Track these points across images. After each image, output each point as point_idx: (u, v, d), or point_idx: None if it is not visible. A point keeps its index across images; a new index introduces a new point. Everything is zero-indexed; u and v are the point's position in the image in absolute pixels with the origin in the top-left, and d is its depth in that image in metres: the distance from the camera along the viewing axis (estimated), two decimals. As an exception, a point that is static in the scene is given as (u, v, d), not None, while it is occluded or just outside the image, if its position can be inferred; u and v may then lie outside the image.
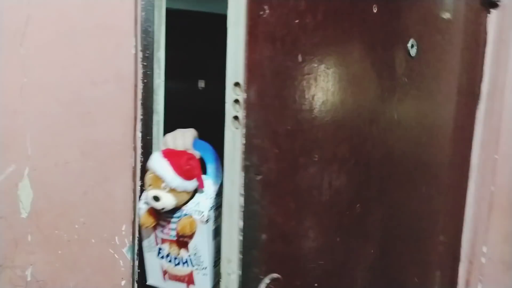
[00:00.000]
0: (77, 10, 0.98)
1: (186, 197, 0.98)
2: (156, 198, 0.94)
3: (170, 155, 0.97)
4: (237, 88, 0.73)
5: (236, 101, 0.73)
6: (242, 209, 0.74)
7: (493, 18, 1.40)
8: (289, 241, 0.85)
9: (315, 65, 0.85)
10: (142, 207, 1.00)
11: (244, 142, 0.74)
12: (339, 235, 0.96)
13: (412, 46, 1.06)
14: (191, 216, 0.95)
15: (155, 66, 1.09)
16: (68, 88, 1.01)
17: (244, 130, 0.74)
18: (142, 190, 1.10)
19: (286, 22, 0.78)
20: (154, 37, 1.08)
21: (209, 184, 0.99)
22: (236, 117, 0.74)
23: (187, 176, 0.96)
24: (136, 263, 1.14)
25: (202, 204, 0.97)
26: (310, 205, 0.89)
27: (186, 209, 0.97)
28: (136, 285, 1.15)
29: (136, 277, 1.14)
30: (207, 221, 0.95)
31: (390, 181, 1.10)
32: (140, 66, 1.07)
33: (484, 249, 1.45)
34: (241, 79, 0.72)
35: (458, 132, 1.39)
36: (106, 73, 1.02)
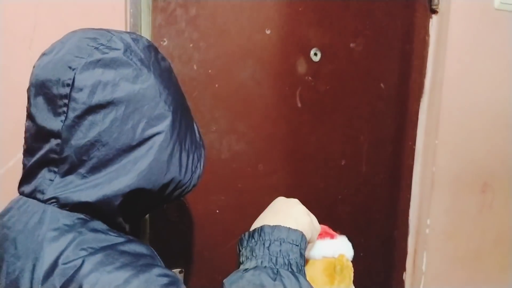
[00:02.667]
0: (76, 20, 1.07)
1: None
2: None
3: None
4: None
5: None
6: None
7: (434, 22, 1.60)
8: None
9: (210, 71, 1.18)
10: None
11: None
12: (241, 184, 1.28)
13: (315, 54, 1.32)
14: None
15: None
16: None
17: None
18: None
19: (182, 47, 1.12)
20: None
21: None
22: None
23: None
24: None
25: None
26: (211, 156, 1.19)
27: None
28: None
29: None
30: None
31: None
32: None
33: (428, 222, 1.62)
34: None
35: (403, 120, 1.60)
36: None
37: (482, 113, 1.64)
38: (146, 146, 0.63)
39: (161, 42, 1.11)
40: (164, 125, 0.65)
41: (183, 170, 0.68)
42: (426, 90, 1.62)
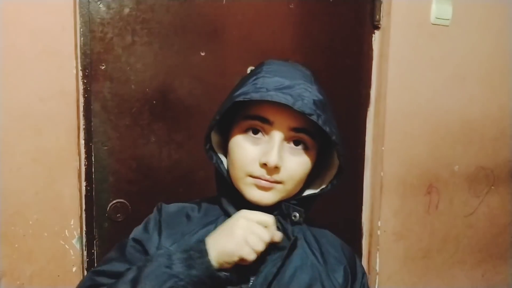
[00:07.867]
0: (26, 40, 1.10)
1: None
2: None
3: None
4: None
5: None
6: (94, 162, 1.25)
7: (376, 37, 1.66)
8: (133, 183, 1.29)
9: (147, 89, 1.28)
10: None
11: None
12: (182, 188, 1.34)
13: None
14: None
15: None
16: (19, 105, 1.11)
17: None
18: (86, 190, 1.23)
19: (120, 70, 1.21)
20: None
21: None
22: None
23: None
24: (85, 252, 1.23)
25: None
26: (151, 165, 1.29)
27: None
28: (85, 271, 1.23)
29: (85, 264, 1.24)
30: None
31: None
32: (81, 83, 1.19)
33: (379, 224, 1.64)
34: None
35: (352, 129, 1.65)
36: (52, 90, 1.13)
37: (424, 120, 1.67)
38: None
39: (100, 67, 1.20)
40: None
41: None
42: (372, 100, 1.67)
